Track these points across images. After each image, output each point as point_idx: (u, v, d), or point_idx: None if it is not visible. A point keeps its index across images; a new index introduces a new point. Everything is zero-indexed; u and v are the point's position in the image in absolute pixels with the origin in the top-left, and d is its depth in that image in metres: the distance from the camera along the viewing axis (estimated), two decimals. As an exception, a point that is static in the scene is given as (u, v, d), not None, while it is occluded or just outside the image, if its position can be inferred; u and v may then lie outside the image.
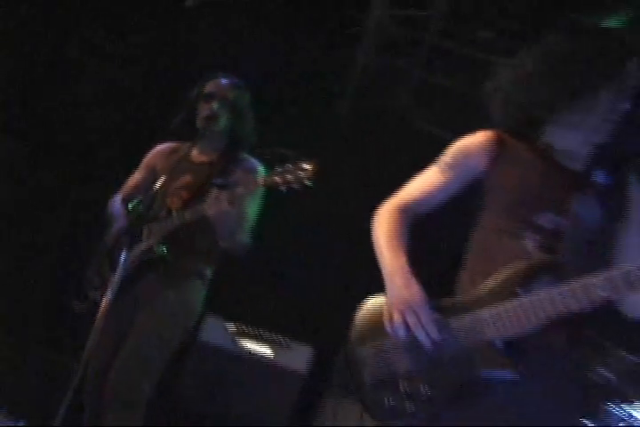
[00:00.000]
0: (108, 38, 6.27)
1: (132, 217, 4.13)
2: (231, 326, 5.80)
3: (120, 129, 6.19)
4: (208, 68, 4.31)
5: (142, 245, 4.06)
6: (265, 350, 5.88)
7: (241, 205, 3.88)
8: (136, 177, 4.42)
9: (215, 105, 4.16)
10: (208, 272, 4.21)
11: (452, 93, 6.11)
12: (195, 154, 4.28)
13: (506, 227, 2.56)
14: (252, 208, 4.11)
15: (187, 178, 4.19)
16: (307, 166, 3.49)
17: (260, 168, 4.16)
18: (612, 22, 5.52)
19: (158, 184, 4.00)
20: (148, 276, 4.07)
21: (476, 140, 2.67)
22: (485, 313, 2.39)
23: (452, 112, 6.21)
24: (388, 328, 2.47)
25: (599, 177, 2.57)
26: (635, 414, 4.89)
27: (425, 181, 2.72)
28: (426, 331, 2.41)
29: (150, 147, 4.48)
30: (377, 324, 2.55)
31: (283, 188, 3.54)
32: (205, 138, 4.22)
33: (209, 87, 4.20)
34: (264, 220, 4.22)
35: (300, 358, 5.85)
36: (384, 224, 2.70)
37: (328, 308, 6.31)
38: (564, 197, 2.55)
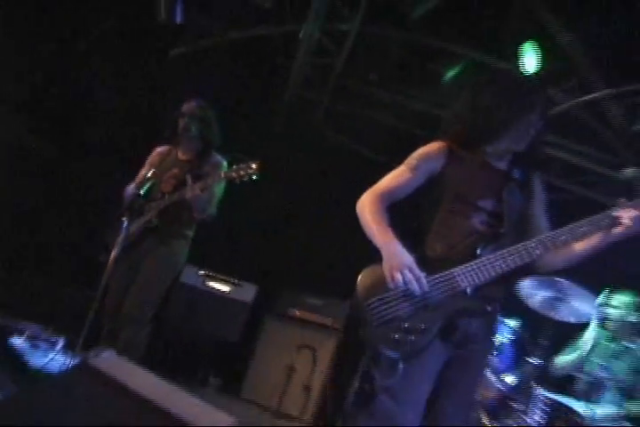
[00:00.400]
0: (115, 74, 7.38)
1: (140, 198, 5.00)
2: (201, 272, 7.32)
3: (130, 138, 7.31)
4: (187, 96, 5.34)
5: (144, 217, 5.11)
6: (224, 288, 7.45)
7: (210, 191, 4.87)
8: (142, 172, 5.37)
9: (187, 120, 5.17)
10: (190, 234, 5.24)
11: (351, 115, 7.95)
12: (180, 154, 5.32)
13: (459, 209, 3.26)
14: (218, 192, 5.08)
15: (174, 171, 5.21)
16: (253, 166, 4.60)
17: (224, 164, 5.16)
18: (455, 69, 7.04)
19: (156, 175, 5.11)
20: (149, 238, 5.11)
21: (434, 148, 3.35)
22: (457, 270, 3.09)
23: (352, 128, 8.14)
24: (391, 284, 3.01)
25: (517, 174, 3.37)
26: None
27: (397, 178, 3.34)
28: (419, 284, 3.02)
29: (151, 150, 5.51)
30: (377, 284, 3.10)
31: (237, 180, 4.63)
32: (185, 142, 5.27)
33: (183, 108, 5.21)
34: (226, 199, 5.21)
35: (248, 293, 7.47)
36: (370, 209, 3.26)
37: (268, 258, 8.09)
38: (497, 188, 3.27)
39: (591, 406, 5.12)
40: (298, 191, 8.14)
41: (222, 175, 4.74)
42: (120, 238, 4.80)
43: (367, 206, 3.29)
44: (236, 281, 7.49)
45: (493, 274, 3.06)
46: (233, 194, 5.26)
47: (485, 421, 5.36)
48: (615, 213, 3.10)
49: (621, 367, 5.42)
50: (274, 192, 8.01)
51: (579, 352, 5.54)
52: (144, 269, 5.07)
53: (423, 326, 3.00)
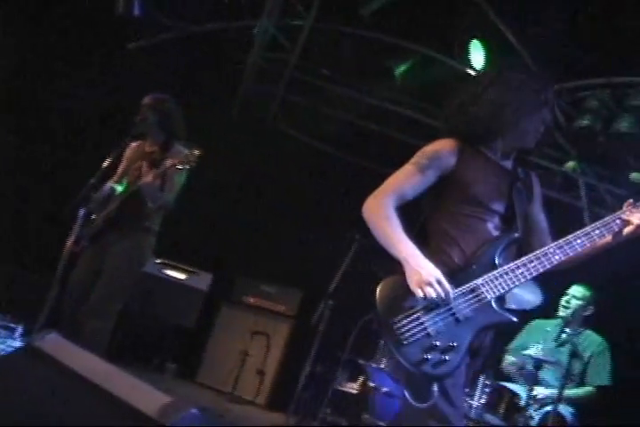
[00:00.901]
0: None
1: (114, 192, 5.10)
2: (157, 260, 7.39)
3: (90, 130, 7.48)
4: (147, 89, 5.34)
5: (107, 209, 5.12)
6: (180, 276, 7.62)
7: (166, 179, 4.92)
8: (121, 168, 5.40)
9: (144, 110, 5.18)
10: (153, 227, 5.17)
11: (305, 109, 8.08)
12: (146, 146, 5.33)
13: (473, 213, 3.04)
14: (178, 182, 5.07)
15: (139, 163, 5.22)
16: (196, 152, 4.71)
17: (185, 152, 4.89)
18: (406, 65, 7.17)
19: (127, 169, 5.25)
20: (112, 230, 5.08)
21: (445, 146, 3.08)
22: (481, 281, 2.90)
23: (306, 122, 8.25)
24: (419, 299, 2.79)
25: (521, 173, 3.20)
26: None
27: (407, 179, 3.05)
28: (448, 298, 2.81)
29: (112, 141, 5.20)
30: (400, 298, 2.85)
31: (180, 166, 4.76)
32: (149, 135, 5.29)
33: (143, 100, 5.25)
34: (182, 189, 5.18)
35: (203, 280, 7.64)
36: (384, 215, 2.97)
37: (223, 247, 8.22)
38: (505, 189, 3.10)
39: (533, 388, 5.29)
40: (252, 181, 8.31)
41: (171, 162, 4.80)
42: (75, 228, 4.86)
43: (379, 211, 3.00)
44: (192, 269, 7.64)
45: (517, 283, 2.93)
46: (189, 183, 5.28)
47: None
48: (624, 216, 3.05)
49: (563, 353, 5.62)
50: (229, 182, 8.15)
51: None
52: (108, 263, 5.07)
53: (455, 344, 2.80)
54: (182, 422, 1.61)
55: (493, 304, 2.90)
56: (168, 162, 4.84)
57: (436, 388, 2.77)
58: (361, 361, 5.63)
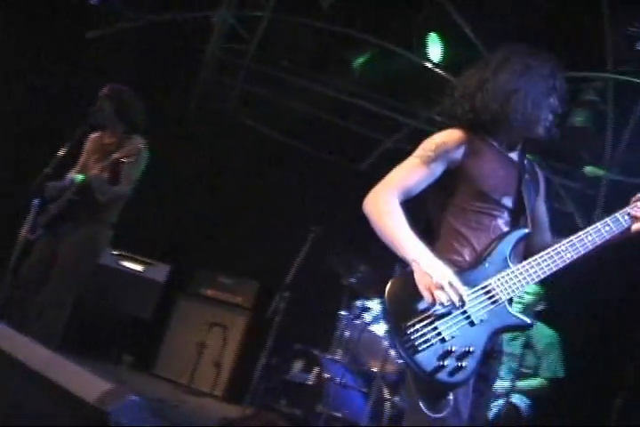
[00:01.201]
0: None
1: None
2: (114, 251, 7.26)
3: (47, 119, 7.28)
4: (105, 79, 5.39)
5: (62, 199, 5.12)
6: (137, 267, 7.48)
7: (119, 171, 4.98)
8: (82, 158, 5.45)
9: (100, 101, 5.22)
10: (108, 218, 5.25)
11: (264, 100, 8.07)
12: (105, 137, 5.39)
13: (483, 208, 2.87)
14: (133, 173, 5.13)
15: (97, 155, 5.30)
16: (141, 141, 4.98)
17: (141, 145, 5.15)
18: (364, 57, 7.22)
19: (86, 161, 5.30)
20: (67, 220, 5.12)
21: (453, 137, 2.90)
22: (494, 281, 2.75)
23: (265, 113, 8.22)
24: (430, 302, 2.60)
25: (528, 165, 3.06)
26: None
27: (412, 172, 2.85)
28: (462, 301, 2.61)
29: (69, 130, 5.16)
30: (411, 300, 2.66)
31: (125, 160, 4.89)
32: (108, 125, 5.34)
33: (100, 91, 5.28)
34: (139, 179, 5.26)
35: (160, 272, 7.49)
36: (388, 210, 2.77)
37: (180, 238, 8.23)
38: (514, 182, 2.94)
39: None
40: (210, 173, 8.31)
41: (116, 157, 4.92)
42: (30, 217, 4.90)
43: (382, 207, 2.80)
44: (149, 260, 7.57)
45: (530, 283, 2.80)
46: (146, 173, 5.33)
47: (387, 394, 5.59)
48: (633, 211, 2.94)
49: (516, 346, 5.71)
50: (186, 173, 8.10)
51: None
52: (62, 252, 5.11)
53: (470, 349, 2.63)
54: (122, 409, 1.61)
55: (507, 306, 2.76)
56: (115, 155, 4.92)
57: (451, 396, 2.63)
58: (316, 352, 5.63)
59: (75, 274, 5.13)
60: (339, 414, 5.33)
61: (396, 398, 5.57)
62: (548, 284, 5.73)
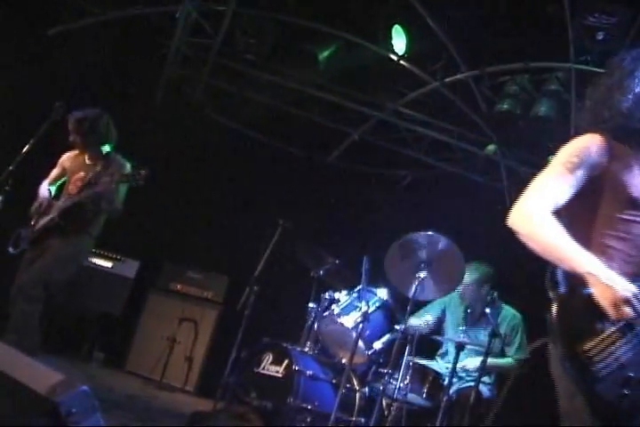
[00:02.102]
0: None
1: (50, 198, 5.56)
2: None
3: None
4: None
5: (49, 216, 5.46)
6: (106, 264, 7.64)
7: (110, 189, 5.26)
8: (55, 172, 5.81)
9: (72, 137, 5.57)
10: (93, 232, 5.56)
11: (229, 94, 8.14)
12: (87, 158, 5.67)
13: (630, 216, 2.69)
14: (122, 191, 5.44)
15: (81, 174, 5.56)
16: (143, 172, 5.09)
17: (127, 165, 5.51)
18: (328, 50, 7.12)
19: (62, 177, 5.70)
20: (52, 235, 5.42)
21: (593, 142, 2.74)
22: None
23: (230, 106, 8.32)
24: (618, 314, 2.43)
25: None
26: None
27: (559, 181, 2.68)
28: None
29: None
30: (585, 320, 2.48)
31: (133, 183, 5.12)
32: (86, 151, 5.66)
33: (69, 124, 5.53)
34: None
35: (130, 268, 7.70)
36: (549, 224, 2.59)
37: (149, 234, 8.11)
38: None
39: (453, 366, 5.31)
40: (177, 167, 8.26)
41: (119, 177, 5.16)
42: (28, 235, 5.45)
43: (538, 219, 2.60)
44: (119, 257, 7.64)
45: None
46: None
47: (356, 385, 5.62)
48: None
49: (479, 332, 5.77)
50: (153, 168, 7.95)
51: (431, 314, 5.99)
52: (47, 254, 5.37)
53: None
54: (72, 399, 1.62)
55: None
56: (106, 178, 5.20)
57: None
58: (285, 345, 5.63)
59: (52, 274, 5.32)
60: (309, 406, 5.32)
61: (365, 390, 5.59)
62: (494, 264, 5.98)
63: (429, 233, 5.29)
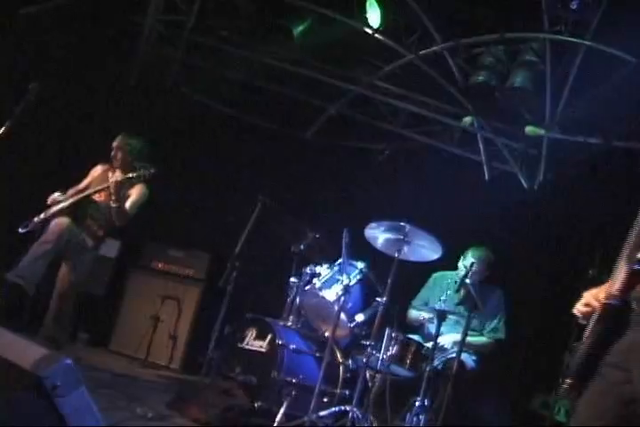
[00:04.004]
0: None
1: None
2: None
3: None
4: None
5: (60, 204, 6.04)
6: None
7: (124, 201, 6.03)
8: (84, 182, 6.33)
9: (114, 151, 6.22)
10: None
11: (205, 71, 8.09)
12: (116, 175, 6.04)
13: None
14: (137, 201, 6.18)
15: (107, 187, 6.03)
16: (152, 170, 5.93)
17: (146, 190, 6.27)
18: (303, 25, 7.02)
19: (91, 189, 6.14)
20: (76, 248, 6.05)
21: None
22: None
23: (206, 83, 8.26)
24: None
25: None
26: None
27: None
28: None
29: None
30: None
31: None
32: (120, 169, 6.15)
33: (114, 143, 6.24)
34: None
35: (111, 248, 7.67)
36: None
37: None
38: None
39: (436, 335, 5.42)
40: (156, 146, 8.18)
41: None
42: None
43: None
44: (100, 237, 7.55)
45: None
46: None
47: (339, 358, 5.67)
48: None
49: (462, 304, 5.94)
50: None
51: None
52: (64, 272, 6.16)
53: None
54: (56, 373, 1.64)
55: None
56: (133, 197, 6.08)
57: None
58: (268, 320, 5.67)
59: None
60: (293, 380, 5.38)
61: (349, 362, 5.68)
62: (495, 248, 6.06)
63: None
